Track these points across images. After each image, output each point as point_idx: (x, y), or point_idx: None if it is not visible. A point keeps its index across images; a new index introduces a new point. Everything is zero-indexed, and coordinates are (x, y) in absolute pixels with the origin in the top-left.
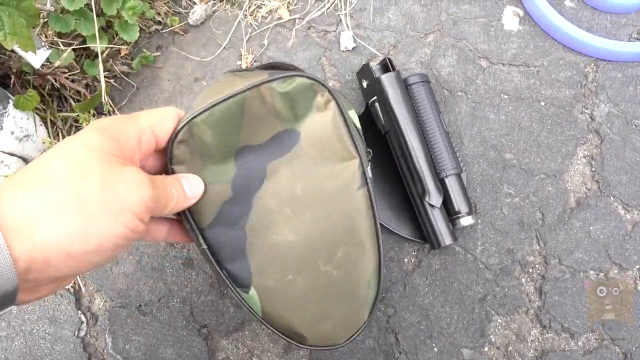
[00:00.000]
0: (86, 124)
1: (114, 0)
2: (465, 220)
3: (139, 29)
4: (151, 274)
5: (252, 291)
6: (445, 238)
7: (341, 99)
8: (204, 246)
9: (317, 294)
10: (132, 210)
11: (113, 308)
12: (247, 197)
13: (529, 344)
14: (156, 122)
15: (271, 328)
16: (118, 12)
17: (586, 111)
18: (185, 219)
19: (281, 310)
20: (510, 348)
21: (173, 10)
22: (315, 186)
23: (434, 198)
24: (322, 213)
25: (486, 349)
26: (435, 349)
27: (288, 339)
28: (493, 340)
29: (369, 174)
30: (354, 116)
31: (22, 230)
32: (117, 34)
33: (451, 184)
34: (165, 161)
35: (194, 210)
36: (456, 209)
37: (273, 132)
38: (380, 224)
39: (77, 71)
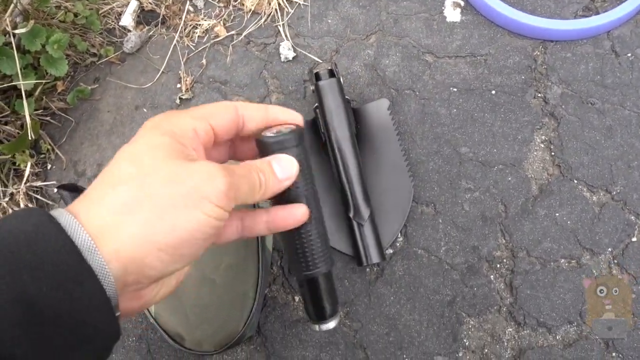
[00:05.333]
0: (24, 166)
1: (37, 36)
2: (328, 325)
3: (73, 63)
4: None
5: None
6: (373, 256)
7: None
8: None
9: (200, 300)
10: (210, 200)
11: None
12: None
13: (505, 343)
14: (210, 113)
15: (160, 327)
16: (43, 47)
17: (539, 95)
18: None
19: (170, 312)
20: (486, 350)
21: (107, 41)
22: None
23: (359, 214)
24: None
25: (460, 354)
26: None
27: (170, 339)
28: (467, 344)
29: (260, 203)
30: None
31: (106, 233)
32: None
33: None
34: (227, 155)
35: None
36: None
37: None
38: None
39: (8, 112)
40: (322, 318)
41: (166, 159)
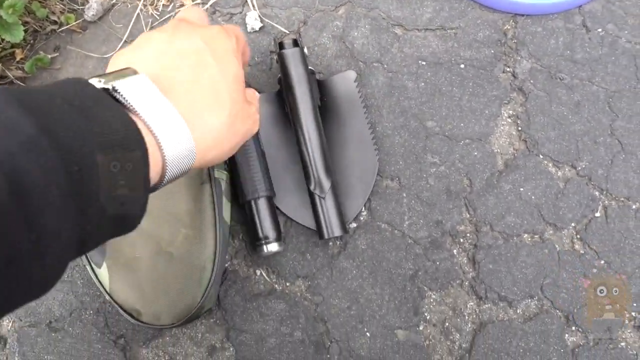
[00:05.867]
0: None
1: None
2: (273, 247)
3: (33, 30)
4: (61, 287)
5: (104, 267)
6: (335, 229)
7: None
8: None
9: (156, 273)
10: (255, 131)
11: (22, 328)
12: None
13: (466, 317)
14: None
15: (115, 303)
16: None
17: (508, 69)
18: None
19: (125, 286)
20: (447, 324)
21: (68, 8)
22: None
23: (320, 187)
24: (169, 198)
25: (421, 327)
26: (368, 334)
27: (127, 314)
28: (428, 317)
29: (215, 174)
30: None
31: (205, 148)
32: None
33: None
34: None
35: None
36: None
37: None
38: (284, 213)
39: None
40: (266, 238)
41: (243, 96)
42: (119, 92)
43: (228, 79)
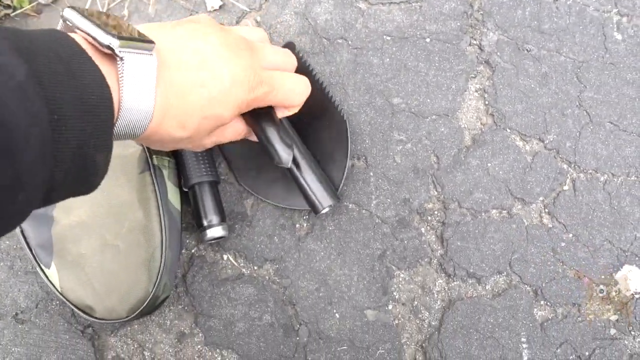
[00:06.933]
0: None
1: None
2: (216, 231)
3: None
4: (25, 279)
5: (53, 267)
6: (323, 200)
7: None
8: (18, 230)
9: (105, 268)
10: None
11: None
12: None
13: (435, 295)
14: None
15: (67, 301)
16: None
17: (474, 42)
18: None
19: (75, 284)
20: (416, 302)
21: None
22: None
23: (279, 158)
24: (110, 190)
25: (390, 307)
26: (337, 315)
27: (80, 312)
28: (397, 296)
29: (155, 161)
30: None
31: (163, 114)
32: None
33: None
34: None
35: None
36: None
37: None
38: (263, 200)
39: None
40: (210, 222)
41: (234, 106)
42: (124, 63)
43: (224, 85)
